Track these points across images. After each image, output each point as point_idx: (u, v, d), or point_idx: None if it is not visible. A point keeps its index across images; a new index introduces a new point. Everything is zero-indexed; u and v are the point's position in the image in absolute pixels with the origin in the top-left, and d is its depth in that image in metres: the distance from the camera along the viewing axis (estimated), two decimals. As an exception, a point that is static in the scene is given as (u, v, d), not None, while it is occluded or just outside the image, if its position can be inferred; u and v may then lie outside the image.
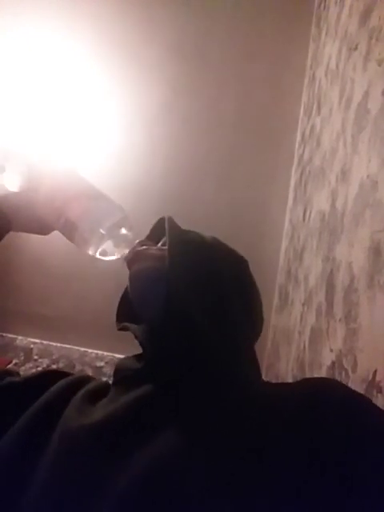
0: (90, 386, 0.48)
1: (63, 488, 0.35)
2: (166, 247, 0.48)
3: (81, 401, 0.44)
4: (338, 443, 0.30)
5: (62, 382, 0.47)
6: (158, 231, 0.58)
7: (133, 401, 0.40)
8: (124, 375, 0.46)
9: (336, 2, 1.43)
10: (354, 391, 0.36)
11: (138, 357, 0.47)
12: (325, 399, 0.34)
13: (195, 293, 0.46)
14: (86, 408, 0.42)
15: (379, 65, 0.78)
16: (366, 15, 0.93)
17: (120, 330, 0.53)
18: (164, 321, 0.44)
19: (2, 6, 2.38)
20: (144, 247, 0.50)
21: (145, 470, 0.33)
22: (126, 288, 0.55)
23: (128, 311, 0.54)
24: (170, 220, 0.53)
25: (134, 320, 0.51)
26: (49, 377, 0.49)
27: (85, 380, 0.50)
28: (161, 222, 0.57)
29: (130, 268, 0.50)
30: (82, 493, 0.34)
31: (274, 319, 2.13)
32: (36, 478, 0.36)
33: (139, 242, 0.50)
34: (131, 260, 0.50)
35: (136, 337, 0.47)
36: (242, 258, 0.60)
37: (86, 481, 0.34)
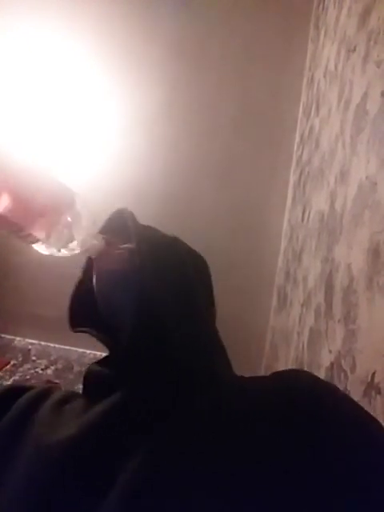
0: (56, 396, 0.47)
1: (40, 504, 0.34)
2: (131, 246, 0.46)
3: (50, 414, 0.43)
4: (315, 435, 0.32)
5: (22, 400, 0.46)
6: (114, 223, 0.53)
7: (107, 410, 0.39)
8: (95, 382, 0.45)
9: (335, 4, 1.43)
10: (321, 381, 0.38)
11: (106, 362, 0.45)
12: (298, 393, 0.36)
13: (166, 296, 0.45)
14: (58, 420, 0.41)
15: (378, 66, 0.78)
16: (364, 17, 0.94)
17: (76, 332, 0.50)
18: (136, 327, 0.42)
19: (2, 6, 2.37)
20: (109, 245, 0.47)
21: (129, 484, 0.32)
22: (79, 286, 0.52)
23: (86, 311, 0.50)
24: (131, 216, 0.50)
25: (95, 321, 0.49)
26: (10, 394, 0.47)
27: (48, 391, 0.48)
28: (118, 213, 0.53)
29: (95, 266, 0.48)
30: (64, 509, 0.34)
31: (272, 320, 2.13)
32: (3, 496, 0.36)
33: (105, 239, 0.47)
34: (98, 259, 0.47)
35: (103, 342, 0.46)
36: (199, 253, 0.57)
37: (69, 499, 0.34)
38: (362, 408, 0.36)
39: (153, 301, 0.43)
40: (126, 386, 0.41)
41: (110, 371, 0.44)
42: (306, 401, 0.35)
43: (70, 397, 0.47)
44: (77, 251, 0.45)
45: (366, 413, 0.35)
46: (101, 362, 0.46)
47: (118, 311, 0.46)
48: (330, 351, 0.86)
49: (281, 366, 1.55)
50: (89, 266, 0.52)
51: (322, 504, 0.29)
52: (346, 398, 0.37)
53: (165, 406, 0.38)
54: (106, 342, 0.46)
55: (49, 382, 2.33)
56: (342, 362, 0.76)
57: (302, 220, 1.57)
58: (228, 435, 0.34)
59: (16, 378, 2.39)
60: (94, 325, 0.48)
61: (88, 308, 0.50)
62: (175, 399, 0.39)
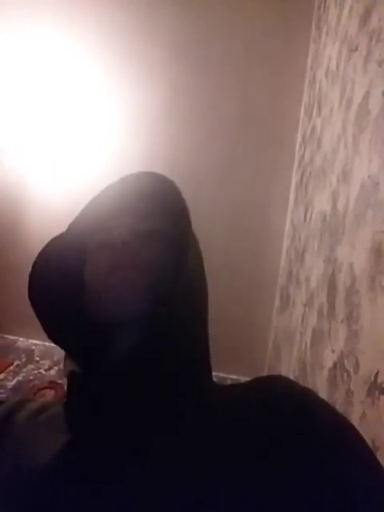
0: (31, 406, 0.44)
1: None
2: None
3: (26, 425, 0.40)
4: (296, 439, 0.33)
5: None
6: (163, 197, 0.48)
7: (104, 428, 0.36)
8: (87, 391, 0.39)
9: (336, 4, 1.43)
10: (299, 386, 0.40)
11: (87, 366, 0.39)
12: (278, 400, 0.37)
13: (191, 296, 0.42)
14: (35, 433, 0.39)
15: (380, 66, 0.78)
16: (365, 17, 0.93)
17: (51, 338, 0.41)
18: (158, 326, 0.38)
19: (3, 6, 2.39)
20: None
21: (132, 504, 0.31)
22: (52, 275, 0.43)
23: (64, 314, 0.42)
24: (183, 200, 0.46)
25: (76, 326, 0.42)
26: None
27: (23, 402, 0.46)
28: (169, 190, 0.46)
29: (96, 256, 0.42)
30: None
31: (275, 320, 2.13)
32: None
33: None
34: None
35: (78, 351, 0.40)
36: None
37: None
38: (339, 413, 0.37)
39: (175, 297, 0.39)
40: (120, 403, 0.37)
41: (96, 386, 0.38)
42: (285, 406, 0.36)
43: (46, 406, 0.45)
44: None
45: (343, 417, 0.37)
46: (80, 363, 0.40)
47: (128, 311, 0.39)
48: (333, 351, 0.86)
49: (284, 367, 1.55)
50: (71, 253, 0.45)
51: (305, 501, 0.30)
52: (323, 402, 0.38)
53: (165, 422, 0.36)
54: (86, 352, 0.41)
55: (52, 382, 2.34)
56: (345, 362, 0.76)
57: (305, 220, 1.57)
58: (224, 439, 0.34)
59: (19, 378, 2.40)
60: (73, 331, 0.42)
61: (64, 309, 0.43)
62: (174, 414, 0.37)
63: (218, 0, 2.25)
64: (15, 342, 2.75)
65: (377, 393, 0.60)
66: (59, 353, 2.63)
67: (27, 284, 0.42)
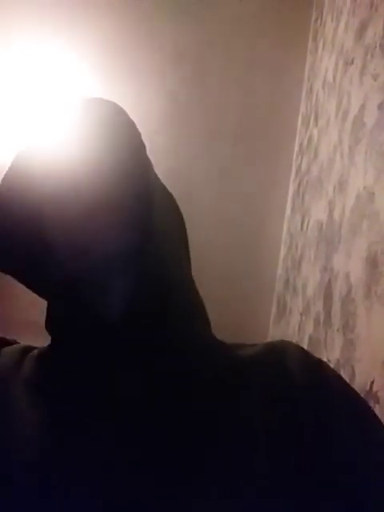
0: (11, 351, 0.41)
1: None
2: None
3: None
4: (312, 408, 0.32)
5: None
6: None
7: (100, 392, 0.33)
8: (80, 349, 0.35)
9: (332, 18, 1.46)
10: (313, 357, 0.38)
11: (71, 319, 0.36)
12: (292, 369, 0.35)
13: (169, 238, 0.40)
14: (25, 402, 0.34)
15: (375, 79, 0.79)
16: (361, 31, 0.96)
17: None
18: (141, 283, 0.34)
19: (1, 16, 2.41)
20: None
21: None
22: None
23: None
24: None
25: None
26: None
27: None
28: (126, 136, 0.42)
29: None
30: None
31: (272, 328, 2.13)
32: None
33: None
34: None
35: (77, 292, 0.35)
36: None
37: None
38: (352, 388, 0.36)
39: (160, 246, 0.36)
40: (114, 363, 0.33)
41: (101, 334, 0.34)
42: (298, 375, 0.34)
43: (27, 350, 0.41)
44: None
45: (356, 392, 0.36)
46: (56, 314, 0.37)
47: (99, 258, 0.34)
48: (329, 360, 0.86)
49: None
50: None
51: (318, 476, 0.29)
52: (337, 375, 0.37)
53: (163, 385, 0.33)
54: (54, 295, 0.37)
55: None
56: (341, 370, 0.76)
57: (301, 229, 1.59)
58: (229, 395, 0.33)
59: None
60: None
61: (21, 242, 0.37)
62: (181, 373, 0.34)
63: (216, 12, 2.30)
64: (10, 348, 2.73)
65: (372, 401, 0.60)
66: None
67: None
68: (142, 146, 0.41)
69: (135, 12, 2.33)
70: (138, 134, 0.41)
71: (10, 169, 0.40)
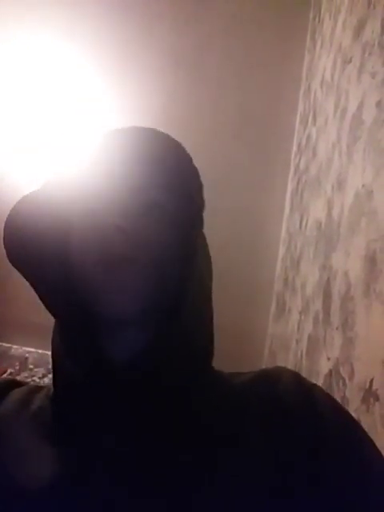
0: (17, 395, 0.40)
1: None
2: None
3: (15, 426, 0.36)
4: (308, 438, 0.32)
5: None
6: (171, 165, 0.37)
7: (100, 435, 0.32)
8: (79, 388, 0.34)
9: (330, 16, 1.46)
10: (307, 381, 0.38)
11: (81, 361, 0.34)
12: (286, 395, 0.35)
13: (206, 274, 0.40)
14: (27, 440, 0.35)
15: (373, 77, 0.79)
16: (359, 29, 0.96)
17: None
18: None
19: (2, 15, 2.41)
20: None
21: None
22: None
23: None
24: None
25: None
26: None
27: (3, 389, 0.41)
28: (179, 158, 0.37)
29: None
30: None
31: (271, 327, 2.13)
32: None
33: None
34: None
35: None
36: None
37: None
38: (347, 412, 0.37)
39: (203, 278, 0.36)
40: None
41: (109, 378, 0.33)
42: (293, 401, 0.35)
43: (32, 393, 0.40)
44: None
45: (351, 416, 0.36)
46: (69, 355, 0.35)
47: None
48: (329, 358, 0.86)
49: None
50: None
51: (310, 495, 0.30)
52: (331, 400, 0.37)
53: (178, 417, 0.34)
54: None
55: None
56: (341, 369, 0.76)
57: (300, 227, 1.58)
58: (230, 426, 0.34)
59: (13, 386, 2.37)
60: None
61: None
62: (178, 413, 0.34)
63: (215, 11, 2.29)
64: (9, 349, 2.72)
65: (371, 399, 0.60)
66: (54, 360, 2.61)
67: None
68: (198, 187, 0.36)
69: (134, 11, 2.33)
70: (195, 174, 0.35)
71: (48, 184, 0.38)
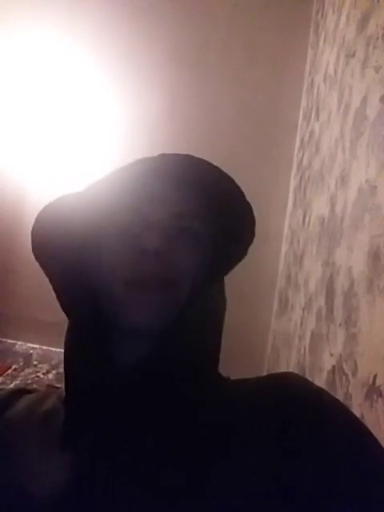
0: (28, 399, 0.41)
1: None
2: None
3: (27, 428, 0.37)
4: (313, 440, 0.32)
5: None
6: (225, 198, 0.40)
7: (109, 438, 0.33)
8: (91, 394, 0.35)
9: (334, 10, 1.45)
10: (315, 386, 0.38)
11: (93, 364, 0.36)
12: (294, 400, 0.36)
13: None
14: (39, 441, 0.36)
15: (377, 71, 0.79)
16: (363, 23, 0.95)
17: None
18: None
19: (3, 14, 2.40)
20: None
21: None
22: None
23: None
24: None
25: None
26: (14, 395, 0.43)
27: (15, 395, 0.43)
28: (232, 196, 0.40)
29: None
30: None
31: (274, 324, 2.13)
32: None
33: None
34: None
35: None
36: None
37: None
38: (355, 416, 0.36)
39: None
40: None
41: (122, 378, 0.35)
42: (301, 407, 0.35)
43: (44, 397, 0.41)
44: None
45: (359, 420, 0.36)
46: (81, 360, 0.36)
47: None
48: (332, 354, 0.86)
49: (282, 370, 1.55)
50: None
51: (315, 502, 0.30)
52: (339, 404, 0.37)
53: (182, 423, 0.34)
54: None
55: (50, 386, 2.33)
56: (344, 365, 0.76)
57: (303, 224, 1.58)
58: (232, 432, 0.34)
59: (17, 382, 2.39)
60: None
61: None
62: (184, 420, 0.35)
63: (216, 6, 2.27)
64: (13, 345, 2.74)
65: (375, 396, 0.60)
66: (57, 356, 2.63)
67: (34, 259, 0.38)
68: (248, 227, 0.40)
69: (136, 7, 2.32)
70: (246, 210, 0.39)
71: (90, 189, 0.39)
